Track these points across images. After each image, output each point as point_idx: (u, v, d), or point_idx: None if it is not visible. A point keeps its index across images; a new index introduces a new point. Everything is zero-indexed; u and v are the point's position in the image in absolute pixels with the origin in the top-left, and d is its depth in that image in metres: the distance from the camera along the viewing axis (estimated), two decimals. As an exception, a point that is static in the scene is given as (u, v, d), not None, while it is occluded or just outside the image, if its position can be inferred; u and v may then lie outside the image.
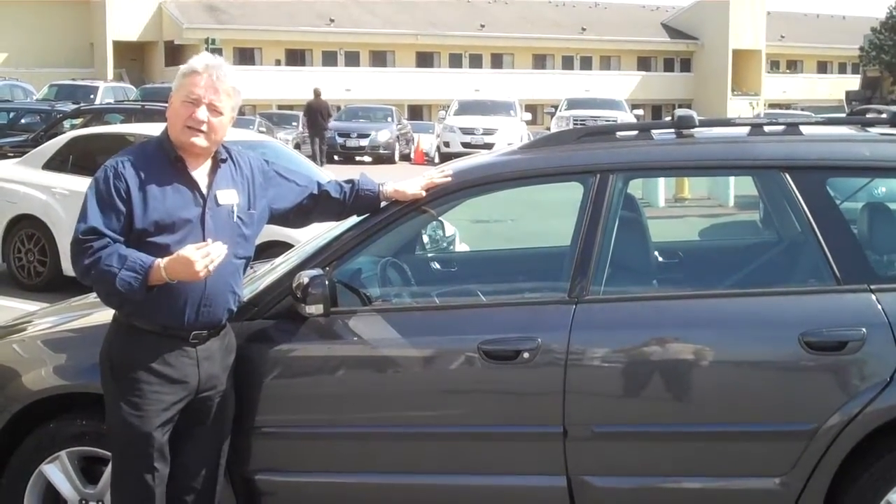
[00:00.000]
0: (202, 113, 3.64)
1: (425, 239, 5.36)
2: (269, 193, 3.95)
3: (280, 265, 4.38)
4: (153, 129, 11.57)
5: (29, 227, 10.45)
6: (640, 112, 35.96)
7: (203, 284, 3.64)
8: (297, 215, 4.10)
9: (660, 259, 4.65)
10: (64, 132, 18.25)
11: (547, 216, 6.55)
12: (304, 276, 3.86)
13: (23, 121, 22.38)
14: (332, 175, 11.36)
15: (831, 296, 3.79)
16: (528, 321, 3.91)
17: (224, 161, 3.79)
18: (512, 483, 3.89)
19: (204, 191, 3.71)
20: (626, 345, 3.82)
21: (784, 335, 3.71)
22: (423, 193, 4.07)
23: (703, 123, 4.26)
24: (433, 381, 3.95)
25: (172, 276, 3.55)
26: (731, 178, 9.96)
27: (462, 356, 3.88)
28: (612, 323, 3.87)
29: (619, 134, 4.26)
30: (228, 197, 3.77)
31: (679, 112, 4.18)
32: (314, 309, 3.85)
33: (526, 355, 3.79)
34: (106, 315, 4.39)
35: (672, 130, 4.22)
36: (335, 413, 4.00)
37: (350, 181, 4.14)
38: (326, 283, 3.86)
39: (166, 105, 13.37)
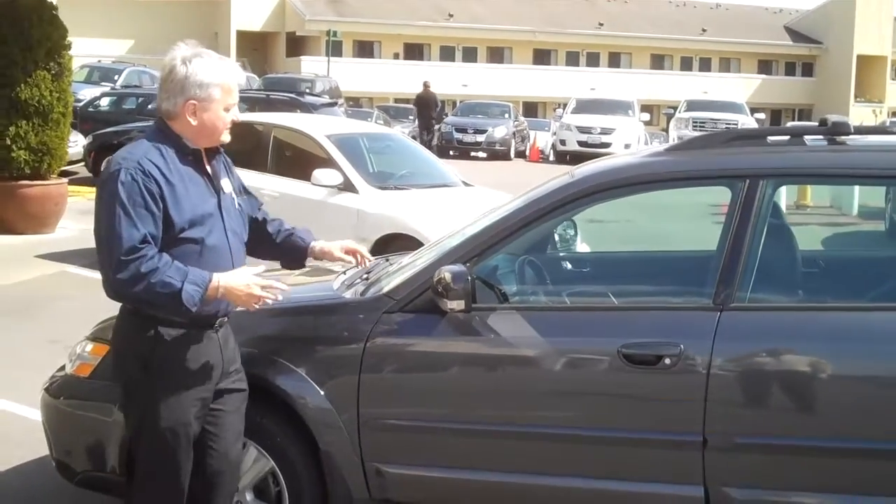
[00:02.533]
0: (237, 113, 3.80)
1: (556, 238, 5.32)
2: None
3: (417, 260, 4.39)
4: (279, 118, 11.78)
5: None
6: (762, 116, 35.38)
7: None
8: None
9: (804, 269, 4.54)
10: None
11: (660, 219, 6.46)
12: (446, 272, 3.86)
13: (150, 106, 22.96)
14: (457, 171, 11.43)
15: None
16: (670, 326, 3.85)
17: (217, 153, 3.86)
18: (648, 490, 3.84)
19: (214, 182, 3.79)
20: (772, 355, 3.73)
21: None
22: (345, 257, 4.14)
23: (858, 131, 4.14)
24: (571, 383, 3.92)
25: (229, 298, 3.61)
26: (856, 187, 9.74)
27: (602, 359, 3.85)
28: (757, 332, 3.79)
29: (770, 139, 4.16)
30: (228, 185, 3.87)
31: (833, 117, 4.07)
32: (455, 304, 3.86)
33: (668, 361, 3.74)
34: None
35: (824, 137, 4.11)
36: (471, 409, 3.99)
37: (291, 227, 4.18)
38: (469, 279, 3.85)
39: (290, 95, 13.62)
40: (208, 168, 3.77)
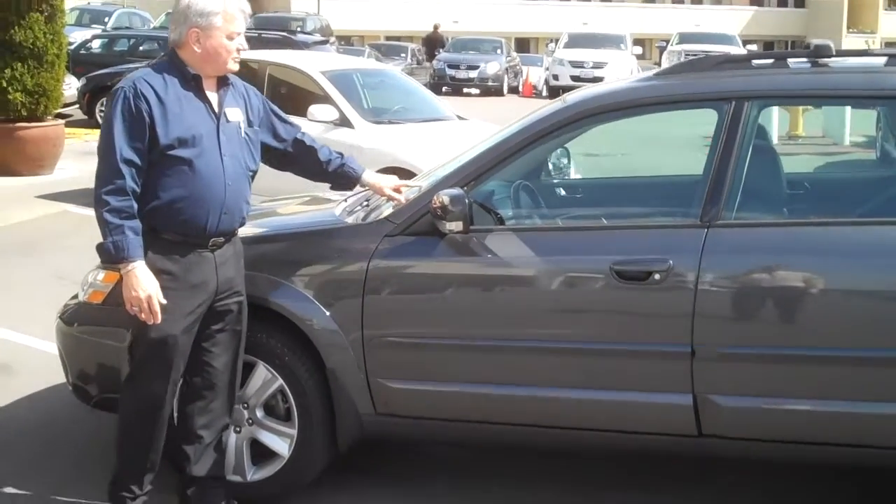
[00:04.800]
0: (244, 42, 3.99)
1: (550, 167, 5.47)
2: (264, 123, 4.21)
3: (415, 187, 4.54)
4: (274, 56, 11.85)
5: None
6: (753, 48, 35.26)
7: (223, 195, 3.91)
8: (281, 158, 4.33)
9: (789, 188, 4.70)
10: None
11: (656, 152, 6.61)
12: (445, 195, 4.02)
13: (142, 48, 22.94)
14: (450, 105, 11.54)
15: None
16: (660, 243, 4.02)
17: (229, 83, 4.04)
18: (640, 399, 4.01)
19: (216, 108, 3.96)
20: (756, 269, 3.90)
21: None
22: (394, 194, 4.33)
23: (840, 53, 4.28)
24: (566, 299, 4.09)
25: (123, 286, 3.82)
26: (847, 116, 9.87)
27: (595, 275, 4.01)
28: (742, 247, 3.95)
29: (755, 62, 4.31)
30: (235, 114, 4.03)
31: (816, 41, 4.21)
32: (454, 226, 4.02)
33: (657, 276, 3.90)
34: (247, 230, 4.66)
35: (808, 60, 4.25)
36: (469, 326, 4.16)
37: (339, 154, 4.40)
38: (466, 201, 4.02)
39: (282, 33, 13.71)
40: (209, 94, 3.95)
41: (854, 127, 9.22)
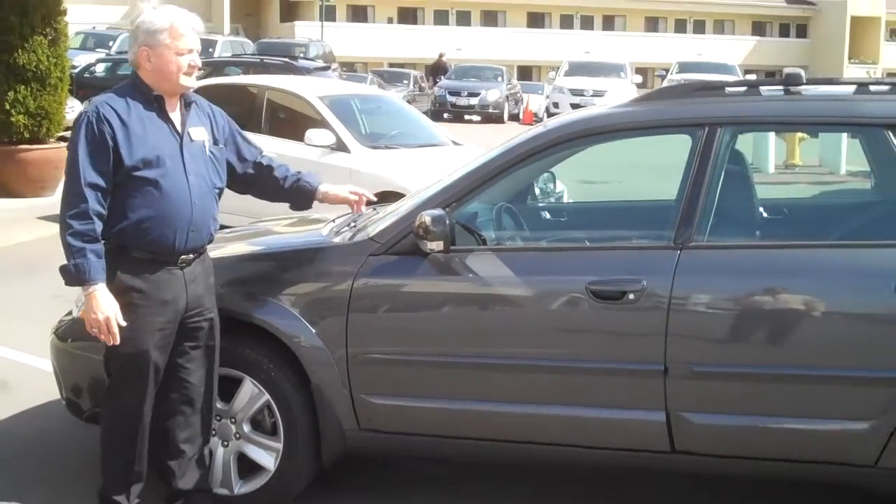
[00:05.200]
0: (197, 59, 4.06)
1: (537, 192, 5.60)
2: (229, 143, 4.32)
3: (400, 207, 4.67)
4: (272, 80, 12.01)
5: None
6: (754, 77, 35.46)
7: (190, 213, 4.01)
8: (241, 180, 4.43)
9: (764, 213, 4.83)
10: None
11: (653, 178, 6.74)
12: (427, 216, 4.14)
13: (145, 72, 23.14)
14: (447, 131, 11.71)
15: None
16: (634, 264, 4.14)
17: (191, 102, 4.16)
18: (614, 416, 4.13)
19: (179, 127, 4.07)
20: (728, 289, 4.02)
21: (880, 285, 3.88)
22: (352, 198, 4.50)
23: (811, 82, 4.42)
24: (543, 317, 4.20)
25: (85, 307, 3.92)
26: (843, 144, 10.01)
27: (571, 295, 4.13)
28: (714, 268, 4.07)
29: (728, 90, 4.45)
30: (199, 133, 4.13)
31: (787, 70, 4.36)
32: (435, 245, 4.15)
33: (631, 296, 4.02)
34: (238, 248, 4.76)
35: (780, 87, 4.39)
36: (450, 344, 4.27)
37: (297, 171, 4.51)
38: (447, 221, 4.14)
39: (284, 59, 13.90)
40: (172, 114, 4.06)
41: (851, 154, 9.36)
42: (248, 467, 4.51)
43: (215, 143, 4.22)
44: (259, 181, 4.44)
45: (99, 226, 3.91)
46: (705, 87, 4.50)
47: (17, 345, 6.99)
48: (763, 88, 4.45)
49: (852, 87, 4.33)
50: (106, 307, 3.90)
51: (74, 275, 3.89)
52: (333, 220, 5.02)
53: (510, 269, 4.23)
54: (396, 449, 4.49)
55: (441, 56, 37.40)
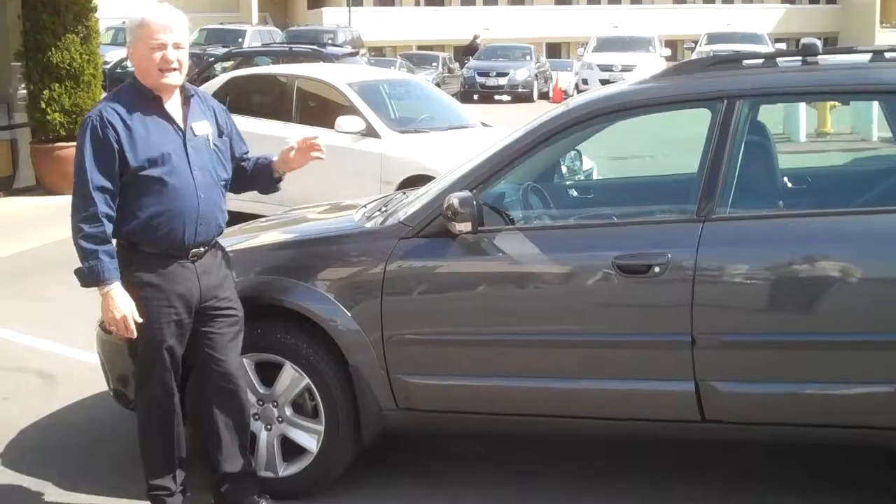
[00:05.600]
0: (171, 54, 4.05)
1: (564, 170, 5.69)
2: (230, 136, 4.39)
3: (429, 191, 4.77)
4: (302, 69, 12.15)
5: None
6: (784, 46, 35.28)
7: (197, 206, 4.09)
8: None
9: (788, 183, 4.89)
10: (215, 74, 19.08)
11: (684, 151, 6.81)
12: (454, 198, 4.25)
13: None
14: (476, 113, 11.79)
15: None
16: (658, 238, 4.23)
17: (192, 96, 4.23)
18: (644, 387, 4.23)
19: (181, 124, 4.15)
20: (751, 260, 4.10)
21: None
22: (296, 145, 4.40)
23: (827, 52, 4.48)
24: (571, 293, 4.30)
25: (102, 305, 4.03)
26: (875, 111, 10.00)
27: (598, 270, 4.23)
28: (736, 240, 4.15)
29: (746, 62, 4.52)
30: (203, 127, 4.20)
31: (804, 40, 4.42)
32: (463, 227, 4.25)
33: (657, 269, 4.11)
34: (273, 237, 4.88)
35: (797, 58, 4.46)
36: (481, 322, 4.38)
37: (255, 156, 4.53)
38: (474, 203, 4.25)
39: (312, 47, 14.00)
40: (172, 111, 4.15)
41: (882, 121, 9.36)
42: (291, 450, 4.64)
43: (220, 134, 4.30)
44: (236, 175, 4.46)
45: (109, 227, 4.03)
46: (723, 61, 4.58)
47: (63, 340, 7.17)
48: (780, 60, 4.51)
49: (868, 56, 4.38)
50: (122, 305, 4.03)
51: (89, 276, 4.03)
52: (365, 206, 5.13)
53: (537, 247, 4.33)
54: (433, 426, 4.61)
55: (476, 38, 37.40)
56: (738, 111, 4.22)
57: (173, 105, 4.18)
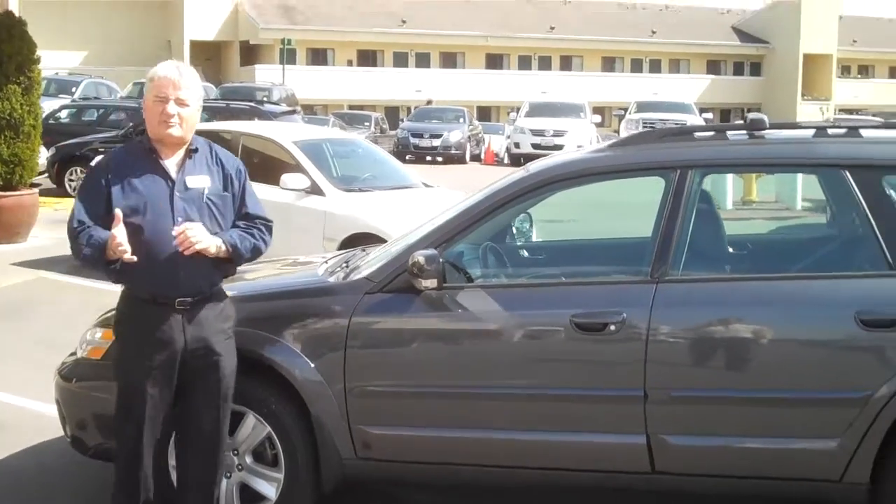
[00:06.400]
0: (172, 108, 4.21)
1: (514, 231, 5.90)
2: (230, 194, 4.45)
3: (392, 248, 4.95)
4: (246, 126, 12.29)
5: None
6: (710, 115, 36.28)
7: (175, 255, 4.18)
8: None
9: (731, 248, 5.16)
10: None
11: (610, 217, 7.09)
12: (420, 256, 4.43)
13: (110, 118, 23.35)
14: (414, 171, 11.96)
15: (885, 279, 4.29)
16: (614, 297, 4.46)
17: (195, 151, 4.37)
18: (598, 440, 4.42)
19: (174, 176, 4.29)
20: (701, 319, 4.34)
21: (841, 314, 4.21)
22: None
23: (773, 126, 4.78)
24: (530, 349, 4.51)
25: (110, 253, 4.16)
26: (799, 181, 10.41)
27: (556, 327, 4.44)
28: (688, 300, 4.40)
29: (697, 134, 4.80)
30: (199, 181, 4.31)
31: (751, 115, 4.72)
32: (429, 283, 4.43)
33: (612, 327, 4.33)
34: (231, 290, 5.01)
35: (745, 132, 4.74)
36: (443, 375, 4.55)
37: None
38: (440, 260, 4.43)
39: (250, 104, 14.11)
40: (167, 161, 4.28)
41: (806, 191, 9.73)
42: (249, 497, 4.73)
43: (225, 188, 4.38)
44: None
45: (91, 227, 4.21)
46: (676, 133, 4.85)
47: (9, 388, 7.16)
48: (729, 133, 4.80)
49: (812, 131, 4.69)
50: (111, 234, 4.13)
51: (96, 249, 4.16)
52: (326, 261, 5.29)
53: (499, 304, 4.53)
54: (391, 476, 4.75)
55: (429, 103, 38.12)
56: (691, 180, 4.48)
57: (173, 158, 4.32)
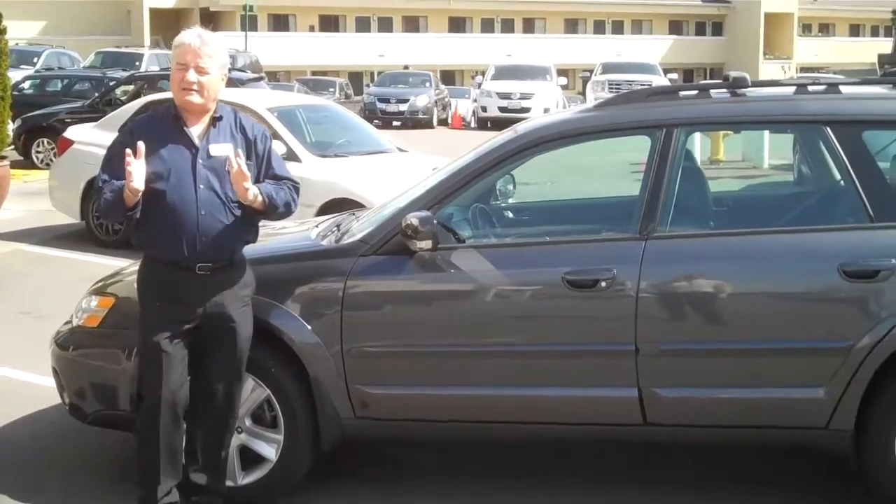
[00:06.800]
0: (192, 75, 4.29)
1: (497, 192, 5.99)
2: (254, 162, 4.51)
3: (383, 211, 5.02)
4: (221, 94, 12.26)
5: (106, 188, 11.07)
6: (675, 76, 36.32)
7: (196, 221, 4.28)
8: None
9: (714, 204, 5.28)
10: (118, 98, 19.00)
11: (579, 178, 7.20)
12: (414, 217, 4.51)
13: (75, 87, 23.16)
14: (388, 136, 12.03)
15: (866, 231, 4.42)
16: (604, 255, 4.57)
17: (219, 119, 4.45)
18: (591, 394, 4.54)
19: (197, 143, 4.37)
20: (689, 274, 4.47)
21: (825, 265, 4.35)
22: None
23: (755, 84, 4.89)
24: (523, 306, 4.62)
25: (127, 193, 4.23)
26: (766, 139, 10.56)
27: (549, 285, 4.54)
28: (675, 256, 4.52)
29: (682, 94, 4.90)
30: (222, 149, 4.36)
31: (734, 73, 4.83)
32: (423, 244, 4.51)
33: (604, 284, 4.44)
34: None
35: (727, 90, 4.84)
36: (438, 334, 4.65)
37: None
38: (434, 222, 4.52)
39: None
40: (192, 129, 4.36)
41: (772, 149, 9.88)
42: (249, 459, 4.81)
43: (248, 157, 4.42)
44: None
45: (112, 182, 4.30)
46: (660, 92, 4.95)
47: (-1, 359, 7.20)
48: (713, 92, 4.91)
49: (792, 89, 4.81)
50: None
51: (115, 193, 4.24)
52: (317, 225, 5.36)
53: (492, 263, 4.63)
54: (389, 434, 4.86)
55: (406, 68, 38.16)
56: (676, 138, 4.59)
57: (197, 126, 4.38)
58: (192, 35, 4.35)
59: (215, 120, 4.42)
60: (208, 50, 4.33)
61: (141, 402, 4.49)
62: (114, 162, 4.32)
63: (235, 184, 4.28)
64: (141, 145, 4.20)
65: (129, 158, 4.15)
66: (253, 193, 4.32)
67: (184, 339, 4.40)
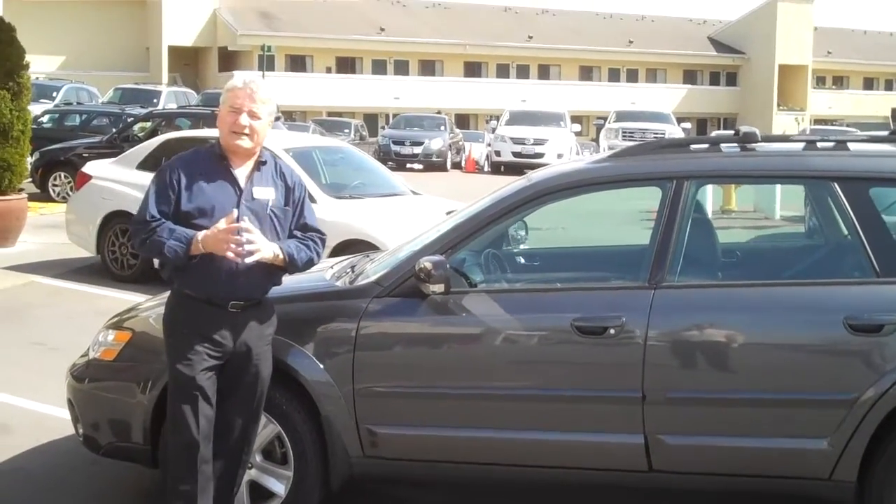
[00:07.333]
0: (244, 119, 4.39)
1: (510, 237, 6.08)
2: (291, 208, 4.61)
3: (398, 254, 5.12)
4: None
5: (123, 223, 11.09)
6: (688, 125, 36.58)
7: (235, 262, 4.32)
8: None
9: (723, 256, 5.36)
10: (135, 135, 19.18)
11: (589, 225, 7.28)
12: (427, 261, 4.61)
13: (93, 123, 23.38)
14: (402, 179, 12.12)
15: (872, 286, 4.49)
16: (614, 302, 4.65)
17: (264, 164, 4.54)
18: (598, 439, 4.61)
19: (242, 185, 4.46)
20: (697, 324, 4.54)
21: (831, 319, 4.42)
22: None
23: (765, 139, 5.00)
24: (533, 351, 4.69)
25: (205, 247, 4.31)
26: (778, 192, 10.66)
27: (558, 331, 4.63)
28: (684, 306, 4.59)
29: (693, 146, 5.01)
30: (265, 193, 4.48)
31: (744, 128, 4.93)
32: (436, 288, 4.61)
33: (612, 331, 4.52)
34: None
35: (737, 144, 4.95)
36: (450, 377, 4.73)
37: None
38: (447, 266, 4.62)
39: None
40: (238, 171, 4.45)
41: (784, 200, 9.96)
42: (259, 495, 4.88)
43: (286, 203, 4.55)
44: None
45: (160, 222, 4.36)
46: (672, 144, 5.05)
47: (9, 390, 7.27)
48: (723, 145, 5.02)
49: (801, 144, 4.91)
50: (213, 231, 4.28)
51: (181, 247, 4.31)
52: (332, 266, 5.46)
53: (503, 308, 4.72)
54: (397, 474, 4.92)
55: (439, 112, 38.50)
56: (686, 190, 4.69)
57: (243, 168, 4.48)
58: (246, 80, 4.46)
59: (260, 164, 4.51)
60: (261, 96, 4.44)
61: (171, 435, 4.52)
62: (160, 196, 4.40)
63: (250, 258, 4.34)
64: (235, 213, 4.28)
65: (246, 226, 4.25)
66: (273, 253, 4.42)
67: (214, 374, 4.46)
